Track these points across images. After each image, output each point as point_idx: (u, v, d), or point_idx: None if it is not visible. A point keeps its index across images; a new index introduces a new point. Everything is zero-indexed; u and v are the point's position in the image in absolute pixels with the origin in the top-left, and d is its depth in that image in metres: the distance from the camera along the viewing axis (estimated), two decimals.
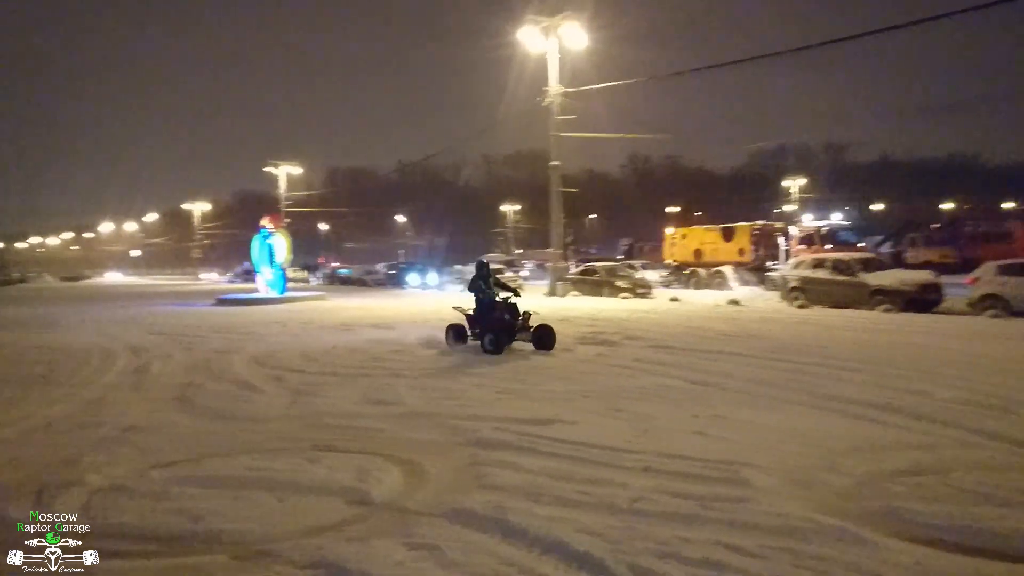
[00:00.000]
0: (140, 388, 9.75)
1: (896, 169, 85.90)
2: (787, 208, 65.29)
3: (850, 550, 4.02)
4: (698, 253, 34.01)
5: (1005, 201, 76.40)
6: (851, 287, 20.46)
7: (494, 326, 12.30)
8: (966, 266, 24.52)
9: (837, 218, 53.13)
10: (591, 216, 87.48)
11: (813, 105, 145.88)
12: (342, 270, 56.93)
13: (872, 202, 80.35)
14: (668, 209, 78.36)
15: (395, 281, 46.02)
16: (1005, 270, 18.04)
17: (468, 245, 78.65)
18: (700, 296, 27.32)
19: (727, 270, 31.26)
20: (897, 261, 32.47)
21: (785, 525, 4.36)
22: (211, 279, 70.45)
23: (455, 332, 13.14)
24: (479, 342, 12.38)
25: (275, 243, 29.43)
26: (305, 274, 58.14)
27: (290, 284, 35.01)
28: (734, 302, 23.28)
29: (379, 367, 10.90)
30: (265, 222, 30.02)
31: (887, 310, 19.02)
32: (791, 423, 6.90)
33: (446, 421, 7.28)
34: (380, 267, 51.72)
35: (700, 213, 75.67)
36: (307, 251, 74.53)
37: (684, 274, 34.12)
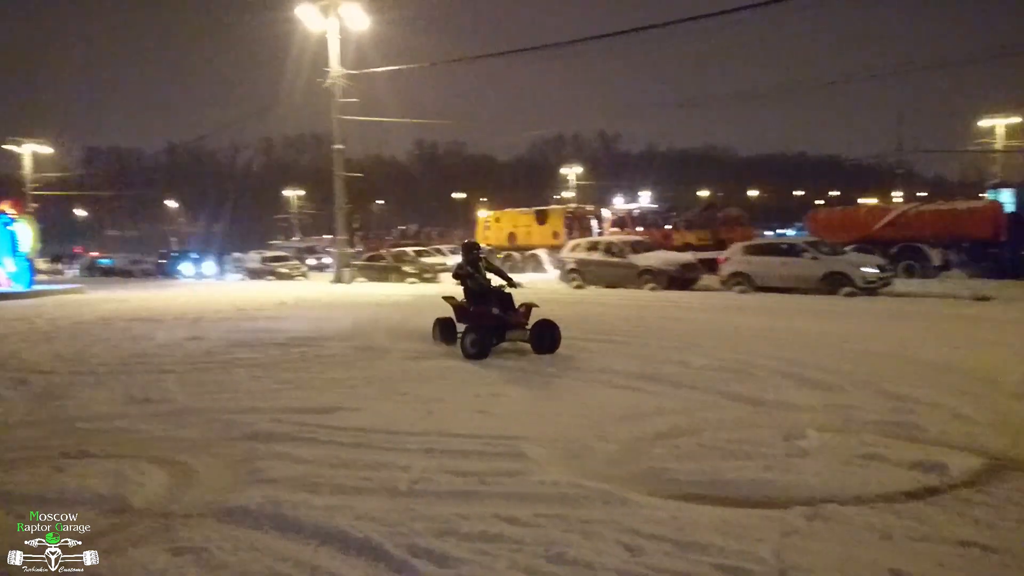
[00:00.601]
0: None
1: (661, 158, 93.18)
2: (566, 194, 68.52)
3: (615, 511, 4.29)
4: (512, 237, 34.36)
5: (752, 189, 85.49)
6: (622, 268, 21.96)
7: (479, 322, 10.01)
8: (720, 247, 27.10)
9: (646, 201, 56.13)
10: (379, 201, 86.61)
11: (587, 96, 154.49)
12: (103, 260, 51.90)
13: (640, 188, 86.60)
14: (455, 195, 79.55)
15: (165, 271, 42.83)
16: (749, 251, 20.25)
17: (249, 231, 74.84)
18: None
19: (541, 253, 32.04)
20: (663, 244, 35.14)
21: (557, 493, 4.57)
22: None
23: (443, 328, 10.77)
24: (460, 339, 10.10)
25: (18, 231, 26.15)
26: (58, 265, 52.39)
27: (39, 276, 31.35)
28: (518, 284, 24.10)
29: (143, 363, 10.05)
30: (5, 207, 26.57)
31: (653, 288, 20.65)
32: (565, 396, 7.28)
33: (219, 416, 6.86)
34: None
35: (485, 199, 77.52)
36: (62, 239, 67.20)
37: (498, 258, 34.50)
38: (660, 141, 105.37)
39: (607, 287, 21.86)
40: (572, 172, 71.35)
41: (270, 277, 35.03)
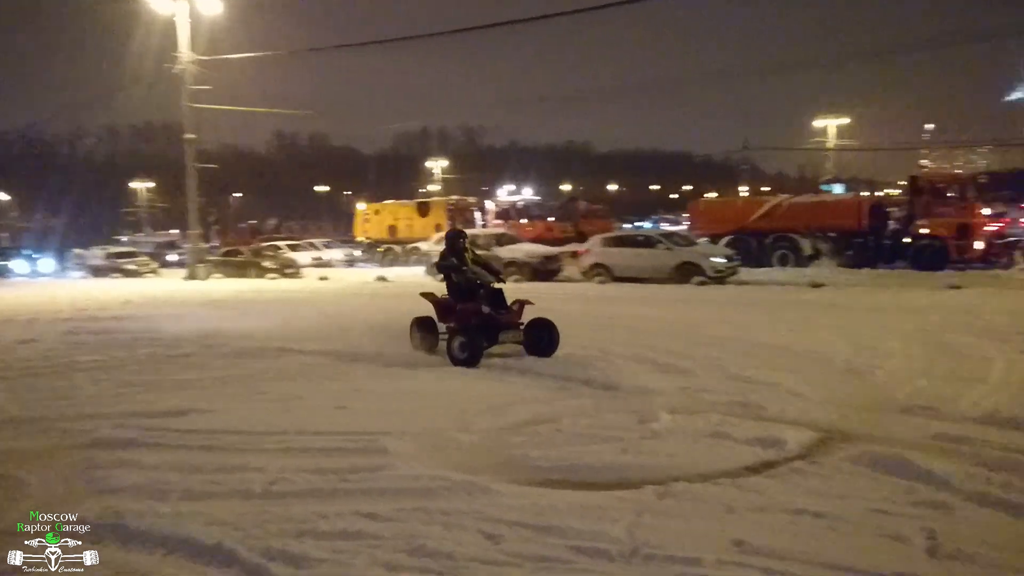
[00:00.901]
0: None
1: (524, 153, 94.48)
2: (431, 187, 68.21)
3: (476, 501, 4.32)
4: (392, 229, 33.39)
5: (611, 183, 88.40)
6: None
7: (468, 322, 8.82)
8: (581, 239, 27.88)
9: (528, 193, 56.44)
10: (236, 194, 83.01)
11: (451, 90, 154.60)
12: None
13: (505, 182, 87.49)
14: (317, 188, 77.60)
15: None
16: (608, 243, 20.99)
17: (94, 226, 69.66)
18: (349, 274, 27.58)
19: (424, 246, 31.43)
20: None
21: (419, 486, 4.55)
22: None
23: (423, 329, 9.43)
24: (446, 342, 8.88)
25: None
26: None
27: None
28: (382, 279, 23.84)
29: None
30: None
31: (517, 280, 20.93)
32: (428, 389, 7.28)
33: (56, 424, 6.35)
34: None
35: (349, 192, 76.04)
36: None
37: (379, 251, 33.46)
38: (523, 136, 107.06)
39: None
40: (437, 165, 71.08)
41: (116, 275, 32.83)
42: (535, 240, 27.99)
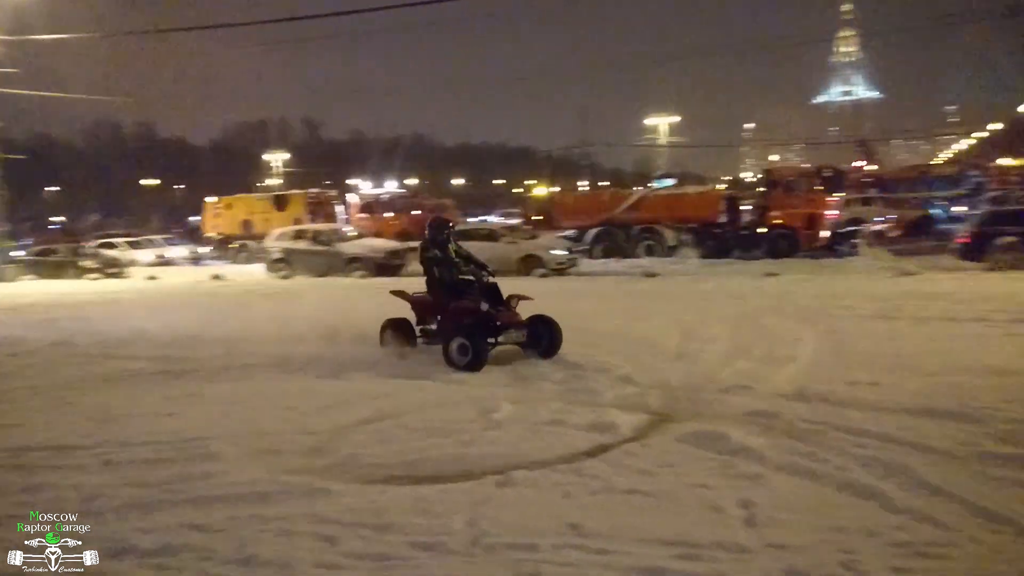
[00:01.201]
0: None
1: (368, 146, 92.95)
2: (271, 181, 65.67)
3: (315, 503, 4.21)
4: (247, 224, 31.37)
5: (456, 177, 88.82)
6: (329, 256, 21.66)
7: (464, 321, 7.95)
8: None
9: (393, 186, 54.94)
10: (51, 188, 76.28)
11: (290, 81, 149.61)
12: None
13: (349, 176, 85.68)
14: (144, 182, 72.89)
15: None
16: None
17: None
18: (185, 272, 26.04)
19: (267, 241, 29.69)
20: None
21: (253, 492, 4.38)
22: None
23: (396, 330, 8.57)
24: (441, 347, 7.87)
25: None
26: None
27: None
28: (217, 277, 22.72)
29: None
30: None
31: (362, 276, 20.63)
32: (265, 391, 7.00)
33: None
34: None
35: (183, 186, 71.84)
36: None
37: (231, 248, 31.40)
38: (367, 129, 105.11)
39: (317, 276, 21.39)
40: (277, 158, 68.48)
41: None
42: (400, 235, 27.61)
